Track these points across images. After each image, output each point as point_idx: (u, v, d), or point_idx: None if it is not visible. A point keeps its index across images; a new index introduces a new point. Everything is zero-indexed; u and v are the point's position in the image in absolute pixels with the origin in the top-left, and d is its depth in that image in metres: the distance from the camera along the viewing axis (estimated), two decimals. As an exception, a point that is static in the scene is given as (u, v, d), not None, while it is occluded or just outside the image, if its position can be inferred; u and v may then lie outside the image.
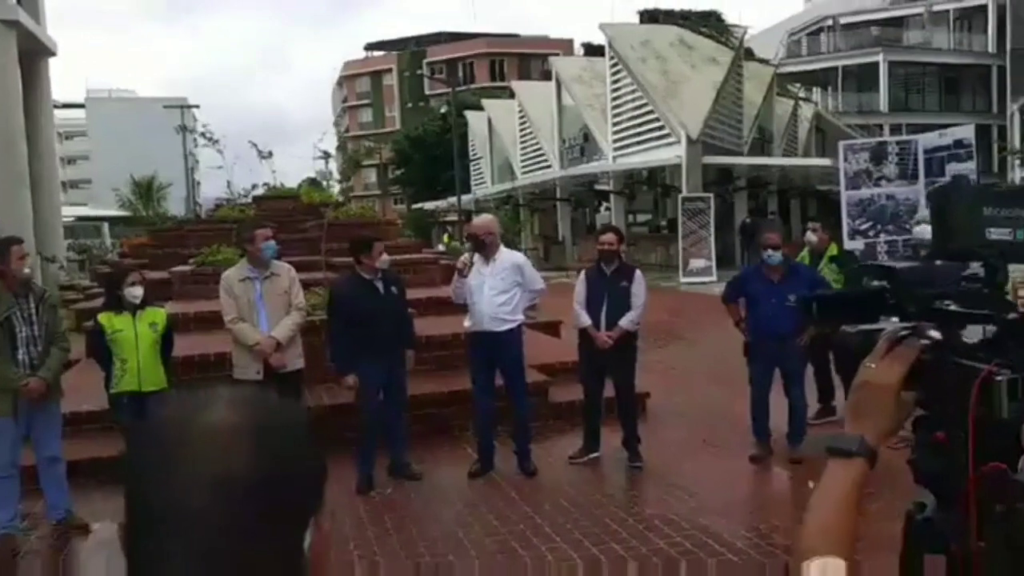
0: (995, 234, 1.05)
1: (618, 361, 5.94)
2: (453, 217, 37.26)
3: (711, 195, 22.14)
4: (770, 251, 6.00)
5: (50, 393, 4.77)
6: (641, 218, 30.78)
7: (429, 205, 39.94)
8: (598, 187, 29.72)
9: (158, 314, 5.13)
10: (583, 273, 6.34)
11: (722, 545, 4.42)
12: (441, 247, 32.32)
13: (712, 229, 21.20)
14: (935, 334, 1.06)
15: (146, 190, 48.57)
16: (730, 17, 34.76)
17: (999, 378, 0.97)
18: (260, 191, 14.19)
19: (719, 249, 21.56)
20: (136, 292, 4.97)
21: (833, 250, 6.72)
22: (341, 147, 59.37)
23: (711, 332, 11.48)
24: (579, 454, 6.04)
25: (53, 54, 23.16)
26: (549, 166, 31.19)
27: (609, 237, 6.09)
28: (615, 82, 25.96)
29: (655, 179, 27.39)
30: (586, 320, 5.95)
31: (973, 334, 1.09)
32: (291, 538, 0.70)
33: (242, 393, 0.73)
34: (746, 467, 5.85)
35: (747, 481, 5.76)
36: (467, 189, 35.50)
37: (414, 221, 39.32)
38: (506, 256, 5.88)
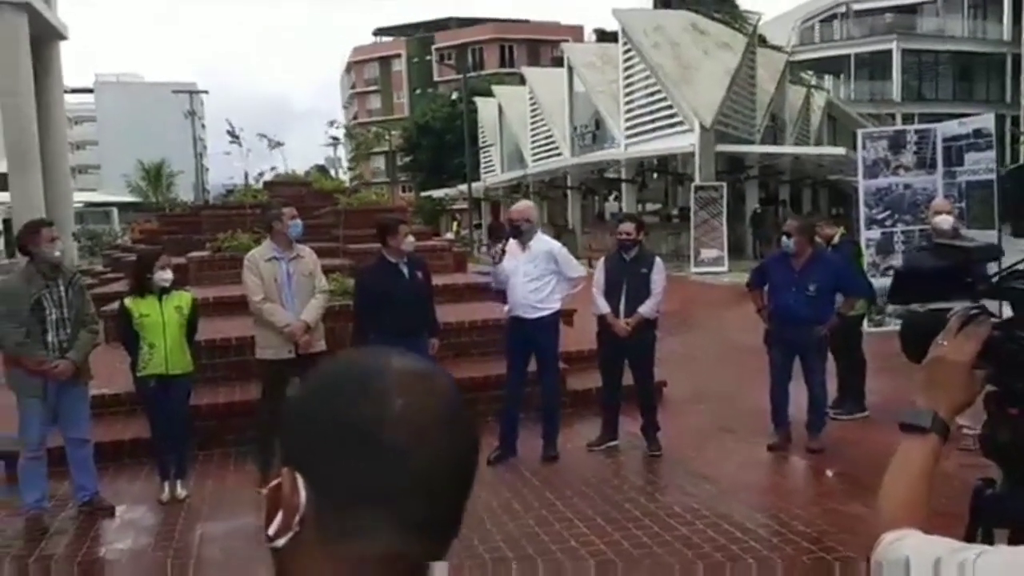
0: None
1: (637, 349, 5.95)
2: (462, 205, 37.18)
3: (724, 184, 21.99)
4: (784, 238, 6.00)
5: (79, 375, 4.82)
6: (651, 207, 30.65)
7: (437, 193, 39.83)
8: (609, 175, 29.59)
9: (184, 298, 5.17)
10: (602, 260, 6.34)
11: (744, 533, 4.45)
12: (450, 235, 32.35)
13: (724, 219, 21.06)
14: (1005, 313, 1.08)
15: (155, 176, 48.59)
16: (743, 3, 34.28)
17: None
18: (270, 177, 14.29)
19: (731, 239, 21.43)
20: (166, 276, 5.02)
21: (835, 239, 6.75)
22: (349, 134, 59.05)
23: (726, 321, 11.51)
24: (598, 441, 6.06)
25: (64, 38, 23.07)
26: (560, 153, 31.04)
27: (628, 227, 6.10)
28: (627, 68, 25.78)
29: (666, 167, 27.25)
30: (604, 307, 5.96)
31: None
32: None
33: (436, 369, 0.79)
34: (764, 455, 5.86)
35: (766, 469, 5.77)
36: (476, 176, 35.41)
37: (422, 209, 39.29)
38: (541, 243, 5.90)
